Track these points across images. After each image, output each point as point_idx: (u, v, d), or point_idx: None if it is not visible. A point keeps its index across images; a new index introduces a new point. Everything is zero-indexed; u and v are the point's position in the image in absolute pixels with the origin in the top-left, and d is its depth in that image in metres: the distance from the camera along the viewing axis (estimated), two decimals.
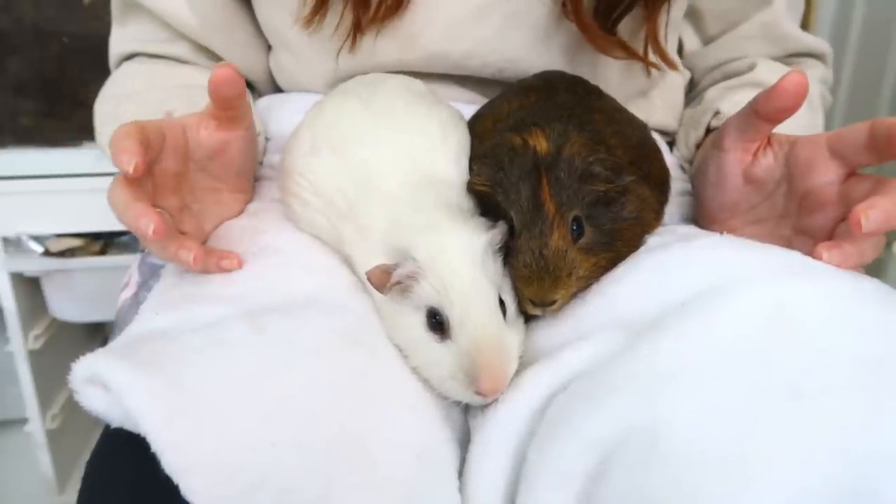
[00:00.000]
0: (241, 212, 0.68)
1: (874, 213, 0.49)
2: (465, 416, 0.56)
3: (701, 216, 0.69)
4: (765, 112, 0.56)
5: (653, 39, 0.73)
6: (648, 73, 0.77)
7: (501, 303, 0.53)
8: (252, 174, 0.70)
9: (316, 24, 0.72)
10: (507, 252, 0.55)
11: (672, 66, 0.77)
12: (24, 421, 1.41)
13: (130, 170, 0.49)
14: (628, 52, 0.72)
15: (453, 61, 0.74)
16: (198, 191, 0.62)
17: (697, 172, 0.65)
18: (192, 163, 0.61)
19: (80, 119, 1.29)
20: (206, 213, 0.64)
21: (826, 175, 0.55)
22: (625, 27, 0.72)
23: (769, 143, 0.60)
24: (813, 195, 0.56)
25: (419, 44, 0.73)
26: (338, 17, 0.71)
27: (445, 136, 0.63)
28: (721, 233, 0.57)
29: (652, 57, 0.75)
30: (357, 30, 0.71)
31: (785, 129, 0.59)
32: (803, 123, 0.76)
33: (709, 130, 0.78)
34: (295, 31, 0.74)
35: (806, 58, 0.85)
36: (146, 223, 0.50)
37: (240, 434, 0.43)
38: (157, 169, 0.56)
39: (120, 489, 0.46)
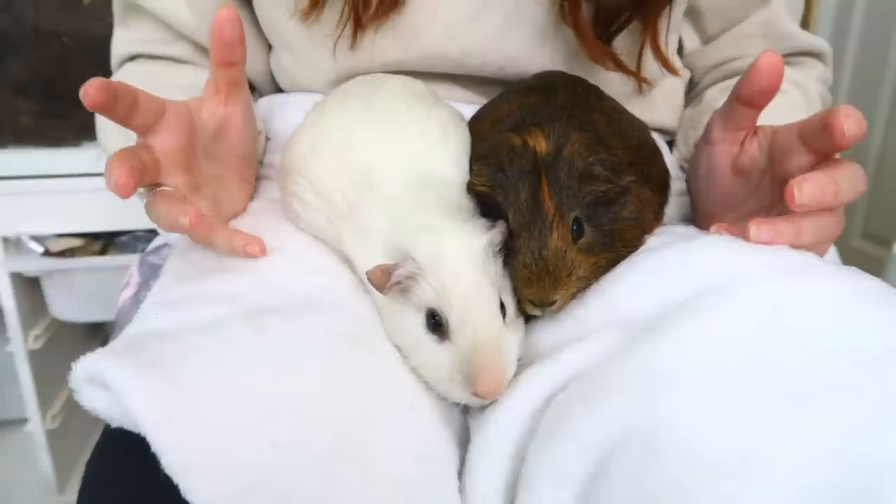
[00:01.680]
0: (246, 206, 0.68)
1: (808, 187, 0.49)
2: (464, 417, 0.56)
3: (695, 213, 0.69)
4: (745, 96, 0.55)
5: (654, 47, 0.73)
6: (640, 89, 0.77)
7: (501, 304, 0.53)
8: (254, 163, 0.70)
9: (314, 17, 0.72)
10: (508, 253, 0.55)
11: (674, 71, 0.77)
12: (24, 421, 1.41)
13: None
14: (620, 67, 0.72)
15: (453, 60, 0.74)
16: (207, 177, 0.62)
17: (690, 169, 0.65)
18: (198, 145, 0.60)
19: (80, 119, 1.29)
20: (220, 199, 0.63)
21: (798, 159, 0.54)
22: (625, 37, 0.72)
23: (755, 133, 0.59)
24: (788, 180, 0.55)
25: (419, 42, 0.72)
26: (337, 14, 0.71)
27: (446, 136, 0.63)
28: (720, 233, 0.57)
29: (653, 64, 0.75)
30: (357, 25, 0.71)
31: None
32: None
33: None
34: (295, 29, 0.74)
35: (806, 57, 0.85)
36: (119, 177, 0.49)
37: (240, 434, 0.43)
38: (160, 143, 0.56)
39: (120, 489, 0.46)
